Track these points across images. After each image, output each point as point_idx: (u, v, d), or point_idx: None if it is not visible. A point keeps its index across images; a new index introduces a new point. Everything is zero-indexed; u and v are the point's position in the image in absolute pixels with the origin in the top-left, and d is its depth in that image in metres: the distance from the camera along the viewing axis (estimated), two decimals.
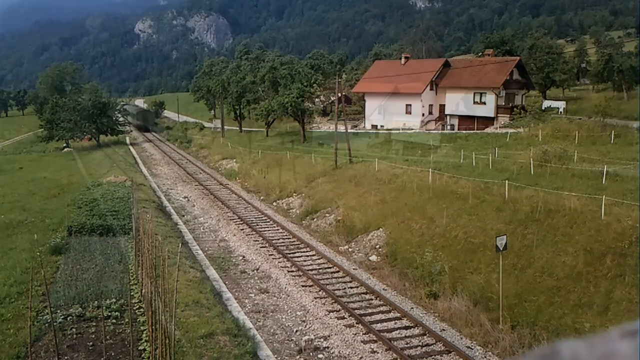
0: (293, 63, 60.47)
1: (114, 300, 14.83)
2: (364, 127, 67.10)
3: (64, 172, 45.71)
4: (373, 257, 23.48)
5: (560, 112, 52.75)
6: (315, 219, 29.96)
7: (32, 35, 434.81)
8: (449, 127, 59.12)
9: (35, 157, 68.70)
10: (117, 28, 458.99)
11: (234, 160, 52.04)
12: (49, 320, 12.81)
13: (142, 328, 13.16)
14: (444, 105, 60.80)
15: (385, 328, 16.24)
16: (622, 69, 61.28)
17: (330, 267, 22.05)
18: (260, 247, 25.07)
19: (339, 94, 43.44)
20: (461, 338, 15.92)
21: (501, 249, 16.98)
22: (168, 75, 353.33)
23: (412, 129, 58.74)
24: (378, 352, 15.08)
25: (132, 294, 15.22)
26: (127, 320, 13.33)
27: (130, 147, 72.16)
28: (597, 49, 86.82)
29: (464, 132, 52.91)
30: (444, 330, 16.28)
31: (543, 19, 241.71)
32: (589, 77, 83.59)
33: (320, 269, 21.86)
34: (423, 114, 62.06)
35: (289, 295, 19.15)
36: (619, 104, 54.25)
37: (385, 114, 64.10)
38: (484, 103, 57.09)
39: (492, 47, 69.21)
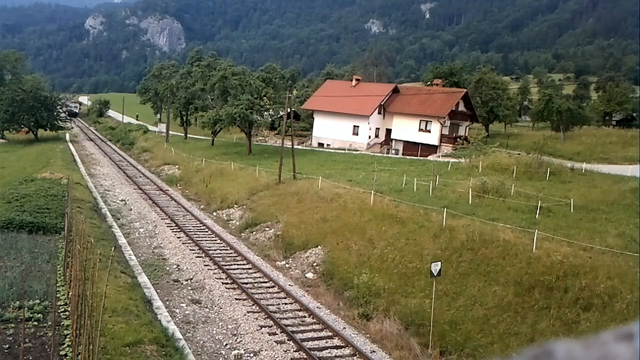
0: (245, 74, 60.15)
1: (37, 301, 14.16)
2: (311, 144, 67.41)
3: None
4: (309, 275, 23.43)
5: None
6: (254, 232, 29.72)
7: None
8: (393, 151, 60.07)
9: None
10: (67, 21, 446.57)
11: (177, 166, 51.20)
12: None
13: (65, 332, 12.58)
14: (390, 129, 61.82)
15: (317, 346, 16.18)
16: (560, 110, 63.95)
17: (265, 282, 21.86)
18: (196, 257, 24.64)
19: (289, 109, 43.49)
20: None
21: (435, 274, 17.25)
22: (116, 75, 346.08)
23: (357, 150, 59.41)
24: None
25: (58, 296, 14.59)
26: (50, 323, 12.76)
27: (70, 144, 70.01)
28: (539, 89, 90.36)
29: (407, 157, 53.85)
30: (374, 352, 16.35)
31: (491, 55, 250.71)
32: (530, 115, 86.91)
33: (255, 282, 21.64)
34: (369, 137, 62.93)
35: (221, 308, 18.84)
36: (555, 142, 56.61)
37: (332, 133, 64.65)
38: (429, 131, 58.37)
39: (441, 77, 70.90)
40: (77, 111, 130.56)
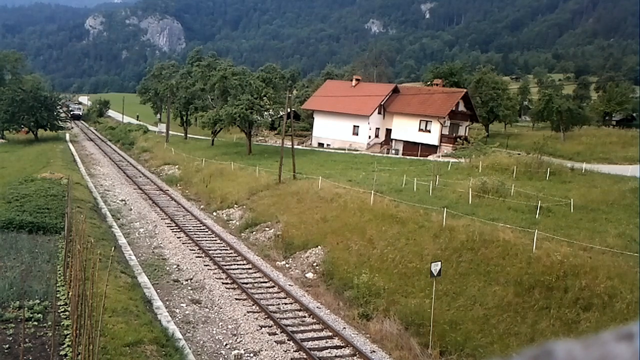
0: (245, 74, 60.13)
1: (37, 301, 14.16)
2: (311, 144, 67.40)
3: None
4: (309, 275, 23.43)
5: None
6: (254, 232, 29.72)
7: None
8: (393, 151, 60.06)
9: None
10: (67, 21, 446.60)
11: (177, 166, 51.19)
12: None
13: (65, 332, 12.58)
14: (390, 129, 61.80)
15: (317, 346, 16.18)
16: (560, 110, 63.94)
17: (265, 282, 21.85)
18: (196, 257, 24.64)
19: (289, 109, 43.47)
20: None
21: (435, 274, 17.24)
22: (116, 75, 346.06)
23: (357, 150, 59.41)
24: None
25: (58, 296, 14.58)
26: (50, 323, 12.75)
27: (70, 144, 70.01)
28: (539, 89, 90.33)
29: (407, 157, 53.83)
30: (374, 352, 16.35)
31: (491, 55, 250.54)
32: (530, 115, 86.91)
33: (255, 282, 21.63)
34: (369, 137, 62.91)
35: (221, 308, 18.84)
36: (555, 142, 56.58)
37: (332, 133, 64.65)
38: (429, 131, 58.35)
39: (441, 77, 70.83)
40: (80, 113, 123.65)
